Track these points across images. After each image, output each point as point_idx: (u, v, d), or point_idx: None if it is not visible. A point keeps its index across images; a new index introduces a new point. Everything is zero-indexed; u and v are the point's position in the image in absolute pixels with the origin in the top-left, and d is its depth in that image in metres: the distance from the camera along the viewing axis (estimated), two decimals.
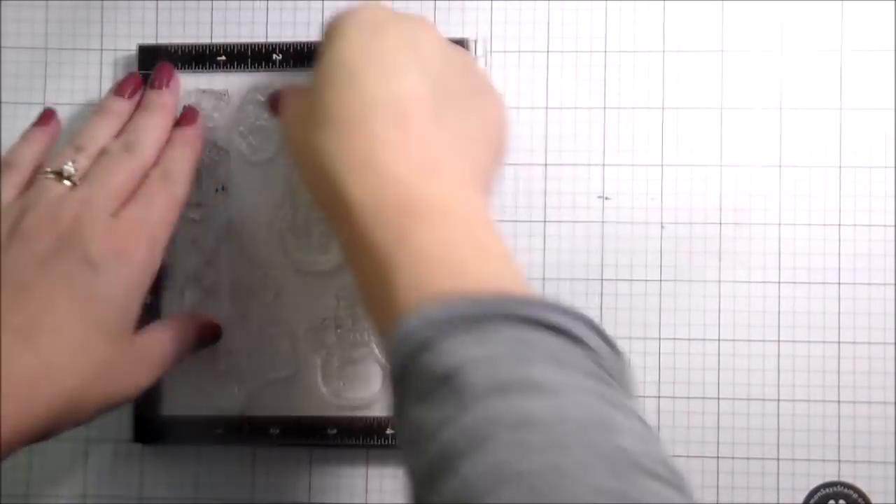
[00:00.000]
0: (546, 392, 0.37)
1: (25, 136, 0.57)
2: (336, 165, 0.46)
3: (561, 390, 0.38)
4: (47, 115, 0.58)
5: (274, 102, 0.57)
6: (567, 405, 0.37)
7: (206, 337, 0.58)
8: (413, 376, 0.40)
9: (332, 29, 0.50)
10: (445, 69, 0.49)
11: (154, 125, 0.56)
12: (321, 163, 0.47)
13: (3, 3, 0.61)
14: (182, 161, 0.56)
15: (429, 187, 0.45)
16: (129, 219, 0.53)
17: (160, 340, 0.55)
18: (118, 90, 0.57)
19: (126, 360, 0.52)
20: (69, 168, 0.54)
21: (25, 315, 0.49)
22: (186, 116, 0.58)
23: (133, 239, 0.52)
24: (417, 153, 0.46)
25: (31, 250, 0.51)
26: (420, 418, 0.39)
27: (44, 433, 0.50)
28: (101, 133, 0.56)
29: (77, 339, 0.50)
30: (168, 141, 0.56)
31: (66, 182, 0.53)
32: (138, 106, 0.57)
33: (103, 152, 0.54)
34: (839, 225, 0.57)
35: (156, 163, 0.55)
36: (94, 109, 0.58)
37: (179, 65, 0.59)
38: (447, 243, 0.43)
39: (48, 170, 0.54)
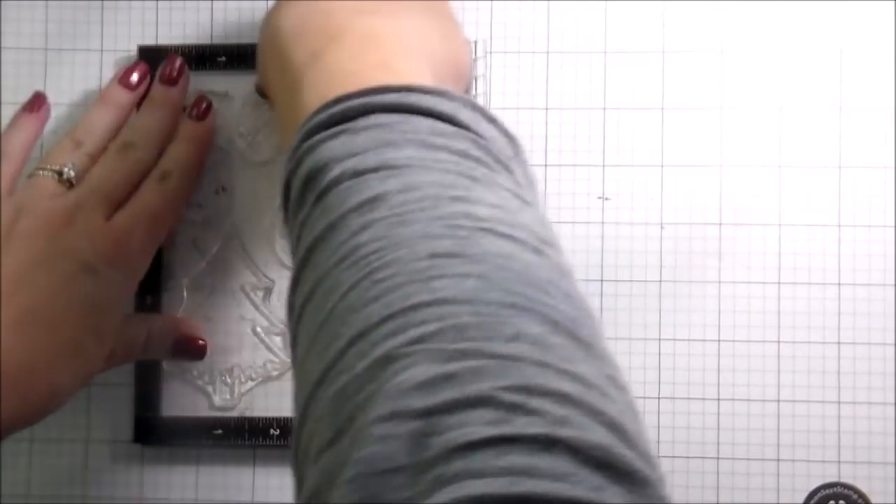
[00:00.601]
0: (401, 172, 0.37)
1: (15, 123, 0.57)
2: (279, 11, 0.48)
3: (417, 168, 0.37)
4: (37, 101, 0.58)
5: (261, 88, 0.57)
6: (419, 181, 0.37)
7: (188, 350, 0.58)
8: (292, 188, 0.40)
9: None
10: None
11: (157, 124, 0.56)
12: (269, 17, 0.48)
13: (3, 3, 0.61)
14: (185, 159, 0.55)
15: (358, 20, 0.45)
16: (122, 223, 0.53)
17: (136, 336, 0.56)
18: (123, 79, 0.57)
19: (106, 356, 0.53)
20: (68, 171, 0.54)
21: (22, 311, 0.50)
22: (198, 109, 0.57)
23: (126, 244, 0.52)
24: (355, 4, 0.47)
25: (28, 251, 0.51)
26: (294, 225, 0.40)
27: (31, 423, 0.51)
28: (102, 126, 0.55)
29: (70, 339, 0.51)
30: (174, 136, 0.56)
31: (65, 181, 0.53)
32: (144, 96, 0.57)
33: (106, 149, 0.54)
34: (839, 225, 0.57)
35: (158, 160, 0.55)
36: (96, 99, 0.57)
37: None
38: (359, 61, 0.43)
39: (49, 167, 0.54)
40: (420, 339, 0.31)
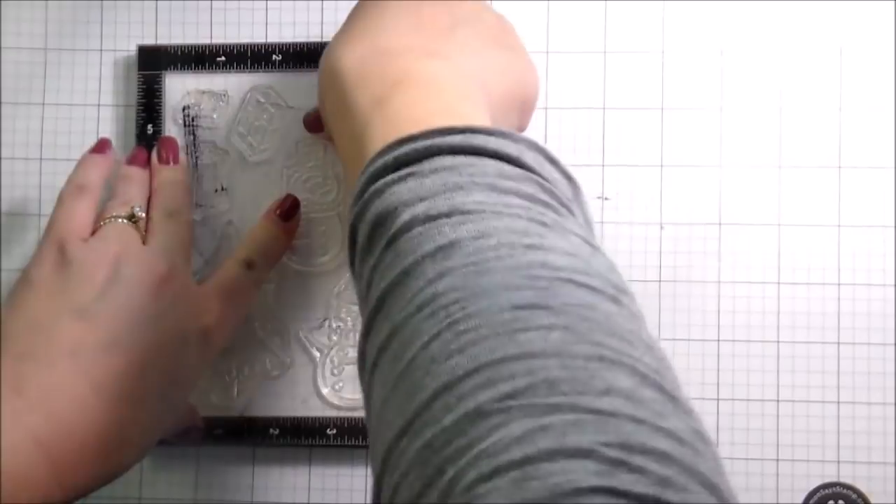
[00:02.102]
0: (473, 217, 0.37)
1: (87, 161, 0.56)
2: (339, 48, 0.47)
3: (489, 214, 0.37)
4: (104, 143, 0.57)
5: (310, 122, 0.57)
6: (493, 228, 0.36)
7: (189, 436, 0.57)
8: (359, 233, 0.40)
9: None
10: (477, 19, 0.49)
11: (185, 198, 0.56)
12: (329, 55, 0.48)
13: (3, 3, 0.61)
14: (266, 250, 0.57)
15: (419, 64, 0.45)
16: (213, 293, 0.53)
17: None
18: (132, 161, 0.57)
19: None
20: (139, 212, 0.54)
21: (114, 374, 0.48)
22: (282, 208, 0.57)
23: (216, 314, 0.53)
24: (420, 42, 0.46)
25: (130, 306, 0.50)
26: (363, 269, 0.39)
27: (84, 495, 0.49)
28: (136, 193, 0.55)
29: (149, 413, 0.49)
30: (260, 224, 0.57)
31: (136, 226, 0.53)
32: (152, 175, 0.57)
33: (150, 219, 0.54)
34: (839, 225, 0.57)
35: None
36: (117, 177, 0.56)
37: (179, 65, 0.59)
38: (422, 107, 0.43)
39: (120, 214, 0.53)
40: (511, 395, 0.31)
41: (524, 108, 0.51)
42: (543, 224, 0.37)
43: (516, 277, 0.35)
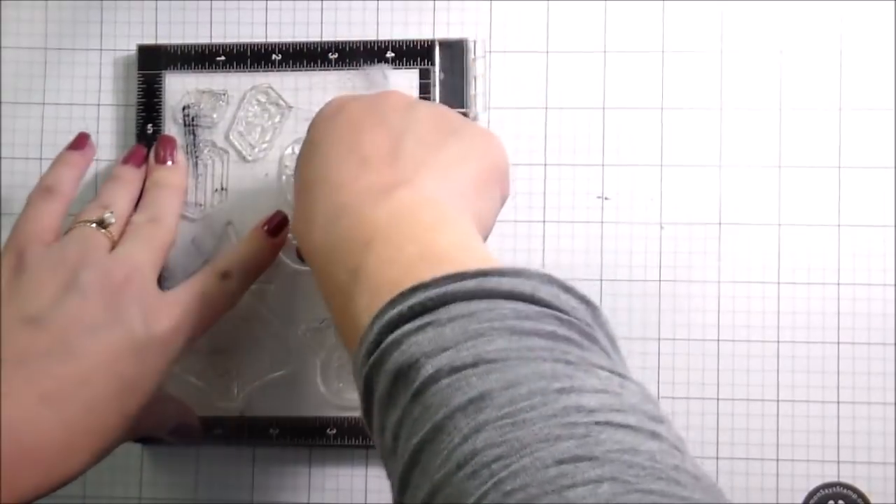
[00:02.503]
0: (499, 366, 0.36)
1: (62, 159, 0.56)
2: (303, 223, 0.47)
3: (514, 361, 0.37)
4: (82, 139, 0.57)
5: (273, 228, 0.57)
6: (521, 376, 0.36)
7: (184, 435, 0.57)
8: (376, 384, 0.39)
9: (308, 129, 0.51)
10: (411, 121, 0.49)
11: (172, 202, 0.56)
12: (296, 229, 0.48)
13: (3, 3, 0.61)
14: (243, 260, 0.56)
15: (381, 210, 0.45)
16: (175, 300, 0.52)
17: (167, 418, 0.55)
18: (128, 160, 0.57)
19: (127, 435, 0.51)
20: (109, 217, 0.53)
21: (63, 382, 0.48)
22: (270, 225, 0.57)
23: (176, 320, 0.51)
24: (372, 179, 0.46)
25: (83, 312, 0.49)
26: (385, 422, 0.39)
27: (38, 498, 0.49)
28: (121, 195, 0.55)
29: (101, 421, 0.49)
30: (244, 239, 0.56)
31: (106, 231, 0.53)
32: (147, 176, 0.57)
33: (130, 223, 0.54)
34: (839, 226, 0.57)
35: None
36: (107, 177, 0.57)
37: (179, 65, 0.59)
38: (398, 263, 0.42)
39: (90, 219, 0.53)
40: None
41: (500, 176, 0.50)
42: (569, 363, 0.37)
43: (555, 427, 0.34)
